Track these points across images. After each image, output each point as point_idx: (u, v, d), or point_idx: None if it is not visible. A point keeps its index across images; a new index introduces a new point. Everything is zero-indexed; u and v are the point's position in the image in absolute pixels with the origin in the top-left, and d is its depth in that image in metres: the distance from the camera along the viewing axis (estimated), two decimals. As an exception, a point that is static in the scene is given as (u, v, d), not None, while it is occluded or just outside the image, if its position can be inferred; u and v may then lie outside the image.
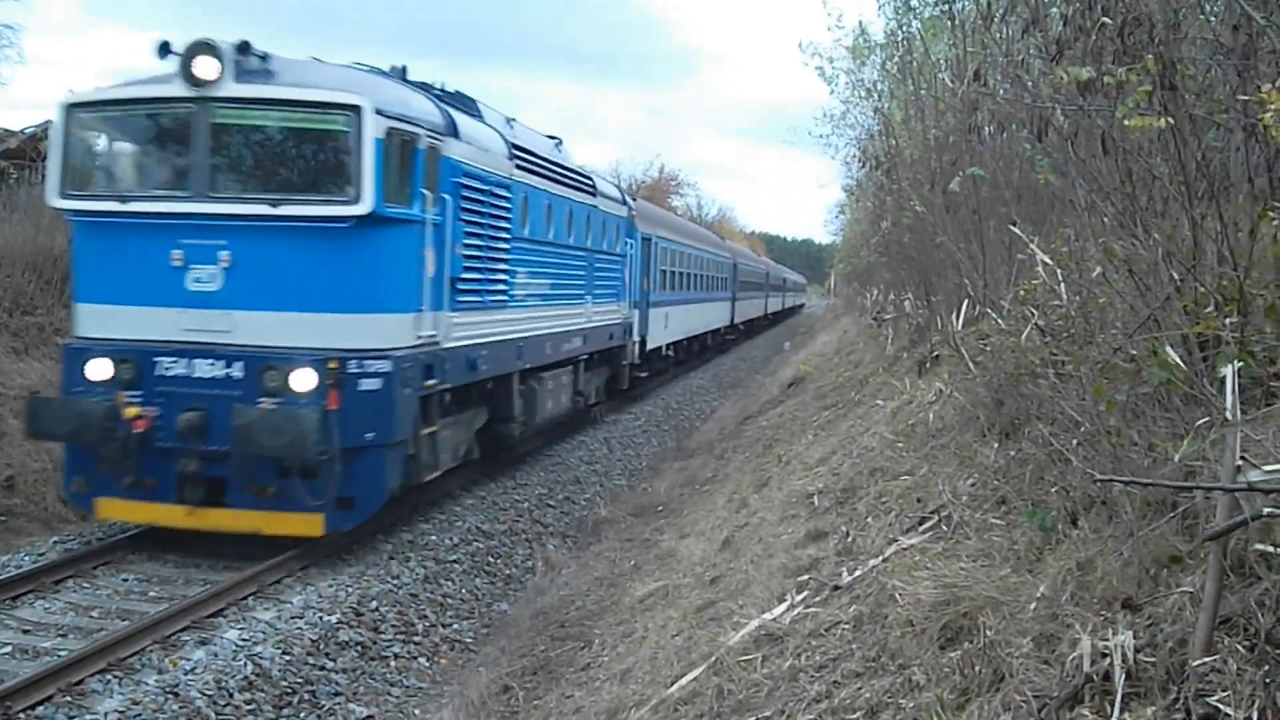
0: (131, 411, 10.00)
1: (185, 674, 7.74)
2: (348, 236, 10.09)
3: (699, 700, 5.58)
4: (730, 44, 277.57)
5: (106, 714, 7.06)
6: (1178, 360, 4.31)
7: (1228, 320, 4.30)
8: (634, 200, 24.52)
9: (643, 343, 23.82)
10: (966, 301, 10.17)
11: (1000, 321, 7.45)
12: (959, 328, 9.78)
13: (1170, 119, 4.63)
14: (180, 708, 7.30)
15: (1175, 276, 4.83)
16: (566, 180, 17.19)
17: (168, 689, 7.48)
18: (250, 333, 10.13)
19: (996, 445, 6.82)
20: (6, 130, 20.33)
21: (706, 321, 35.67)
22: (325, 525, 10.09)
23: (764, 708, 5.06)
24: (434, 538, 11.99)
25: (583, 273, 18.24)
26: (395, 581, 10.44)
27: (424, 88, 12.70)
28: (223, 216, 10.11)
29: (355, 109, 9.99)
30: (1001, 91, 8.71)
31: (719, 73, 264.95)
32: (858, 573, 6.17)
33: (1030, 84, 6.77)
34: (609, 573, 10.69)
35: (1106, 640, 3.59)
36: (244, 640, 8.45)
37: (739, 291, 44.73)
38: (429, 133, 11.11)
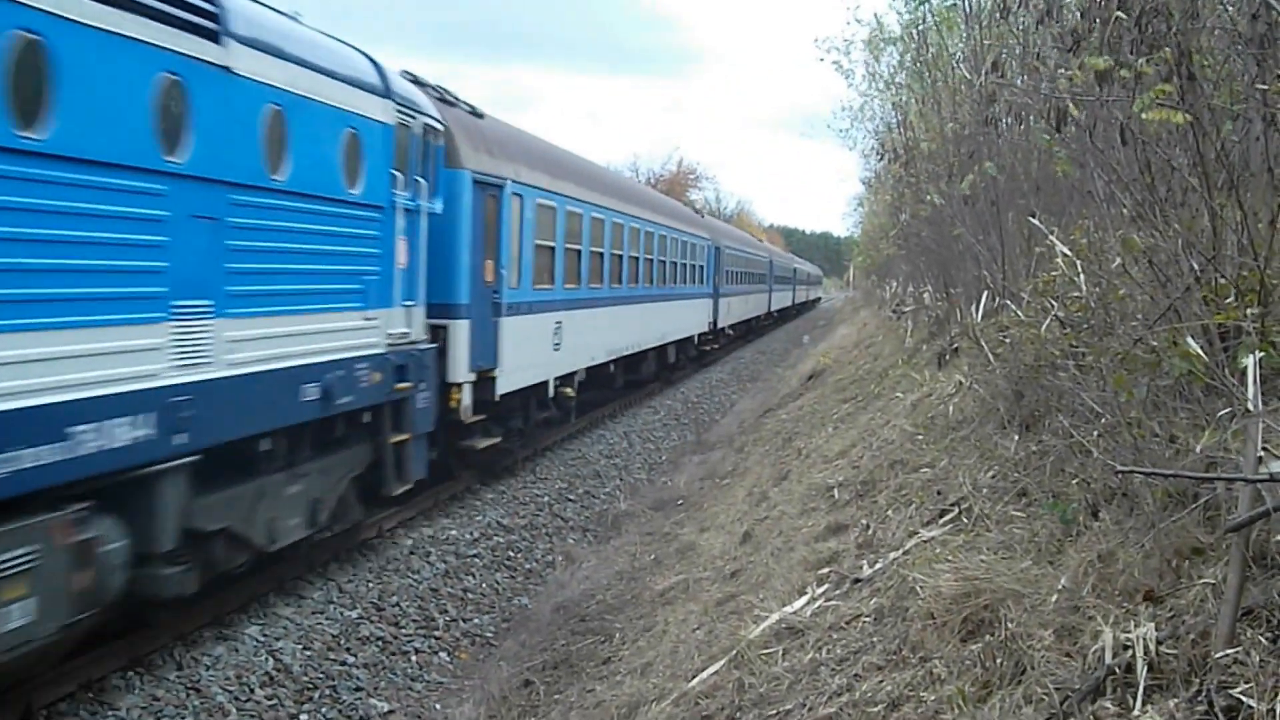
0: None
1: (206, 669, 7.80)
2: None
3: (720, 694, 5.59)
4: (742, 40, 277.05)
5: (128, 710, 7.12)
6: (1198, 351, 4.30)
7: (1248, 310, 4.29)
8: (444, 98, 13.07)
9: (484, 383, 13.21)
10: (986, 293, 10.16)
11: (1020, 313, 7.42)
12: (978, 319, 9.78)
13: (1188, 111, 4.61)
14: (201, 703, 7.36)
15: (1195, 267, 4.81)
16: None
17: (189, 685, 7.54)
18: None
19: (1017, 437, 6.81)
20: None
21: (660, 331, 24.89)
22: None
23: (785, 701, 5.07)
24: (454, 533, 12.03)
25: (155, 237, 6.81)
26: (416, 576, 10.48)
27: None
28: None
29: None
30: (1019, 82, 8.68)
31: (734, 69, 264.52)
32: (878, 565, 6.17)
33: (1047, 75, 6.75)
34: (629, 567, 10.71)
35: (1128, 632, 3.58)
36: (265, 635, 8.51)
37: (725, 285, 34.76)
38: None
